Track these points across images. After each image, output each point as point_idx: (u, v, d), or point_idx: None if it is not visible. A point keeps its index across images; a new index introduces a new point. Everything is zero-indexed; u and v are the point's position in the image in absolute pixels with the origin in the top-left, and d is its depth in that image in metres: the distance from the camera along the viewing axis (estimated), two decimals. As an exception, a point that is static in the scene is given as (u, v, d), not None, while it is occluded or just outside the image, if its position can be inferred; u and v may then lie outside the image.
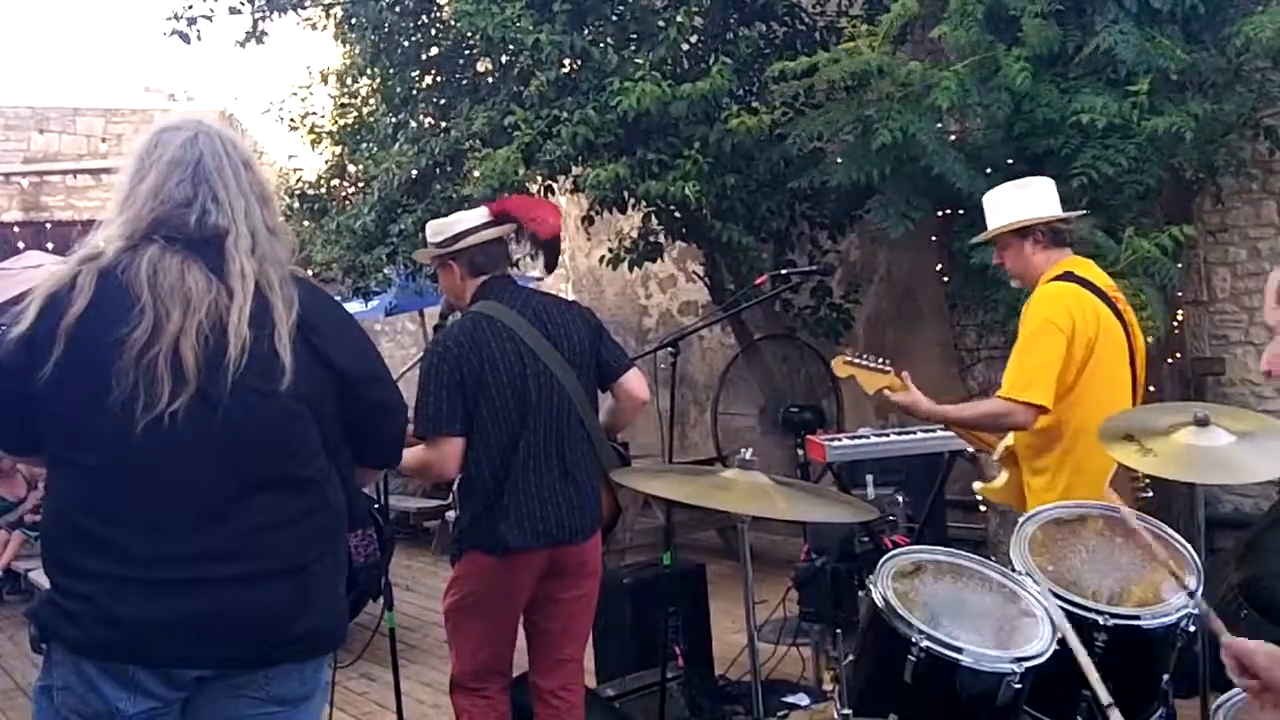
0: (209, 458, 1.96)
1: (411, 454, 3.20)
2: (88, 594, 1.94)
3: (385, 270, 7.71)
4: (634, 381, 3.44)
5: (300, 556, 2.04)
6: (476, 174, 5.87)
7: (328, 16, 7.50)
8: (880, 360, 3.60)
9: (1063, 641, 2.46)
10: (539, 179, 6.31)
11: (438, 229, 3.48)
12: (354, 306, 10.88)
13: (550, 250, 3.60)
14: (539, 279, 7.14)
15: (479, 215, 3.48)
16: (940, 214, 5.60)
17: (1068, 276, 3.41)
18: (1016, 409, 3.28)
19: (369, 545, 2.83)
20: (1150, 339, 4.68)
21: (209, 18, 6.95)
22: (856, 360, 3.61)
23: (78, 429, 1.95)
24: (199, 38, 6.98)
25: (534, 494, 3.23)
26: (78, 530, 1.96)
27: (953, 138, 5.28)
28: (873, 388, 3.59)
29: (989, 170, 5.06)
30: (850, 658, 2.69)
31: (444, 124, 7.06)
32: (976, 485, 3.90)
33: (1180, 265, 5.17)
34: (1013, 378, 3.31)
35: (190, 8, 6.92)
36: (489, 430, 3.21)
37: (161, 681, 1.96)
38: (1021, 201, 3.50)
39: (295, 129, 8.71)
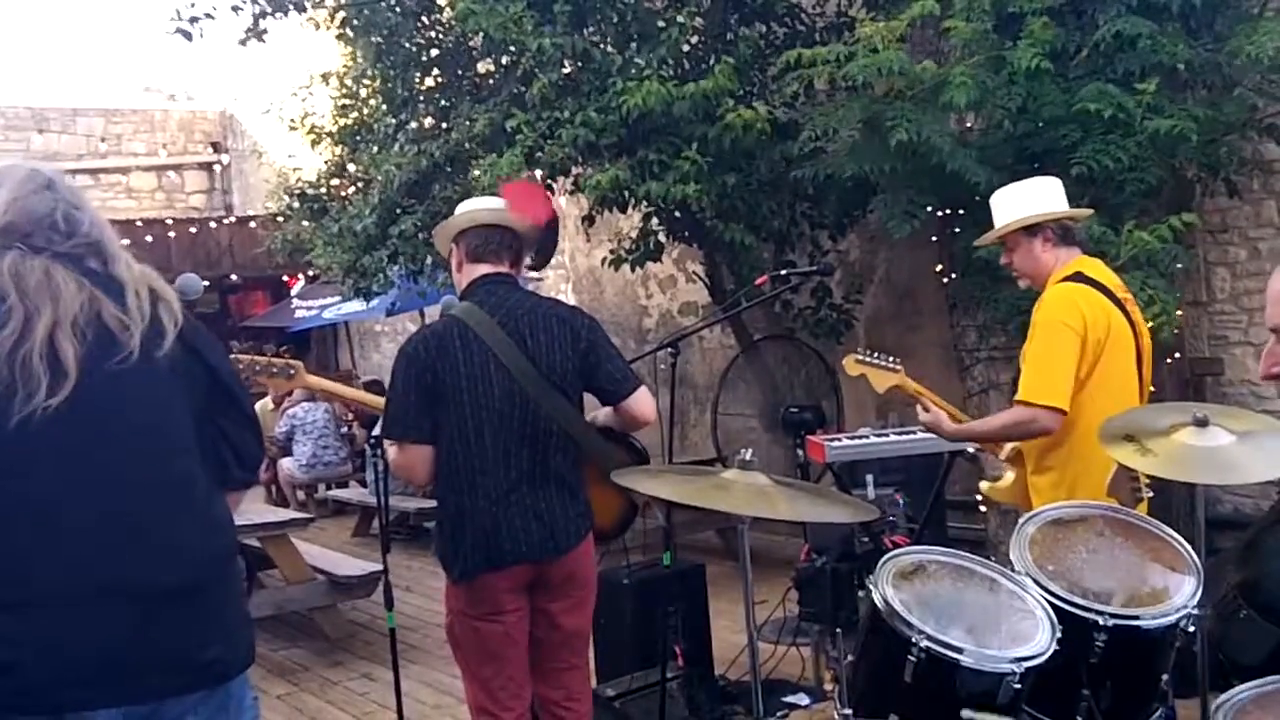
0: (89, 461, 1.85)
1: (390, 456, 3.21)
2: None
3: (387, 271, 7.71)
4: (640, 405, 3.25)
5: (199, 573, 1.93)
6: (478, 174, 5.87)
7: (332, 18, 7.50)
8: (890, 360, 3.63)
9: (1062, 641, 2.47)
10: (539, 179, 6.31)
11: (458, 211, 3.39)
12: (355, 306, 10.93)
13: (542, 242, 3.53)
14: (539, 279, 7.14)
15: (497, 203, 3.44)
16: (940, 214, 5.59)
17: (1078, 277, 3.38)
18: (1040, 413, 3.23)
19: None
20: (1165, 334, 4.69)
21: (211, 16, 6.95)
22: (867, 359, 3.65)
23: None
24: (201, 35, 6.99)
25: (509, 510, 3.09)
26: None
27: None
28: (883, 386, 3.63)
29: (992, 168, 5.05)
30: (850, 658, 2.69)
31: (445, 125, 7.07)
32: (982, 485, 3.88)
33: (1188, 251, 5.15)
34: (1032, 382, 3.26)
35: (193, 5, 6.93)
36: (448, 442, 3.10)
37: None
38: (1030, 199, 3.48)
39: (295, 129, 8.72)
